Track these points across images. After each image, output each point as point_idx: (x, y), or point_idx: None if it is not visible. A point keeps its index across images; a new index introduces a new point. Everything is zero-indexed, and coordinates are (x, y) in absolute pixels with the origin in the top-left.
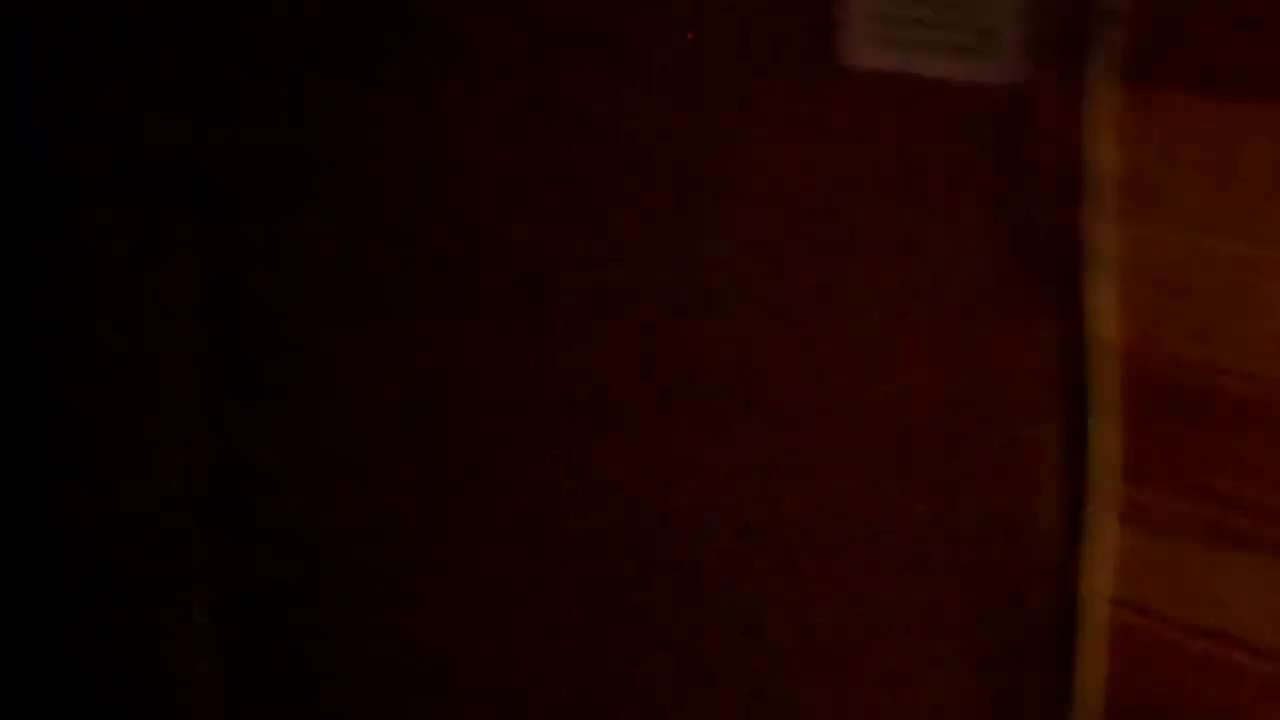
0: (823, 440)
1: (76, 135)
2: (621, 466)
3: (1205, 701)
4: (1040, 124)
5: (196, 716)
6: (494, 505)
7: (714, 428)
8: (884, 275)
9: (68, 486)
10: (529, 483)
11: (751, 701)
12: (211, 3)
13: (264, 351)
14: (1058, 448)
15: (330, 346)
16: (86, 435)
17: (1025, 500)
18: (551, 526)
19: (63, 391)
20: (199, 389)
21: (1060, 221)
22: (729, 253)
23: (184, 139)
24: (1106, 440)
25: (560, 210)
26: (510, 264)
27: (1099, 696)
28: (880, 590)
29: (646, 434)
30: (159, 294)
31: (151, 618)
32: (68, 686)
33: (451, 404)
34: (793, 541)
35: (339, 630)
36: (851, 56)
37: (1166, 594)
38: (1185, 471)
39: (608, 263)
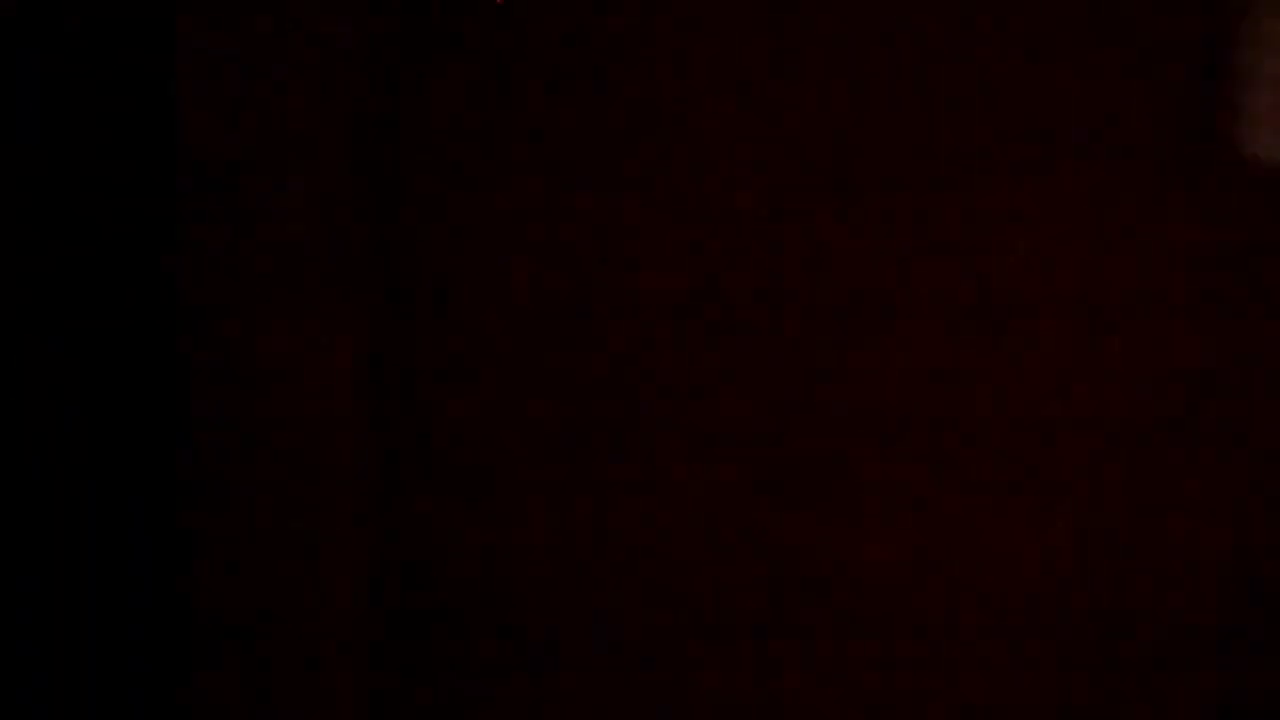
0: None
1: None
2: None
3: None
4: None
5: None
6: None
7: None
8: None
9: (214, 574)
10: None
11: None
12: (399, 101)
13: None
14: None
15: (508, 443)
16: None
17: None
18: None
19: (215, 480)
20: (362, 487)
21: None
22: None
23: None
24: None
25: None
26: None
27: None
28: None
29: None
30: (320, 378)
31: None
32: None
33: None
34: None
35: None
36: (1253, 148)
37: None
38: None
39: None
